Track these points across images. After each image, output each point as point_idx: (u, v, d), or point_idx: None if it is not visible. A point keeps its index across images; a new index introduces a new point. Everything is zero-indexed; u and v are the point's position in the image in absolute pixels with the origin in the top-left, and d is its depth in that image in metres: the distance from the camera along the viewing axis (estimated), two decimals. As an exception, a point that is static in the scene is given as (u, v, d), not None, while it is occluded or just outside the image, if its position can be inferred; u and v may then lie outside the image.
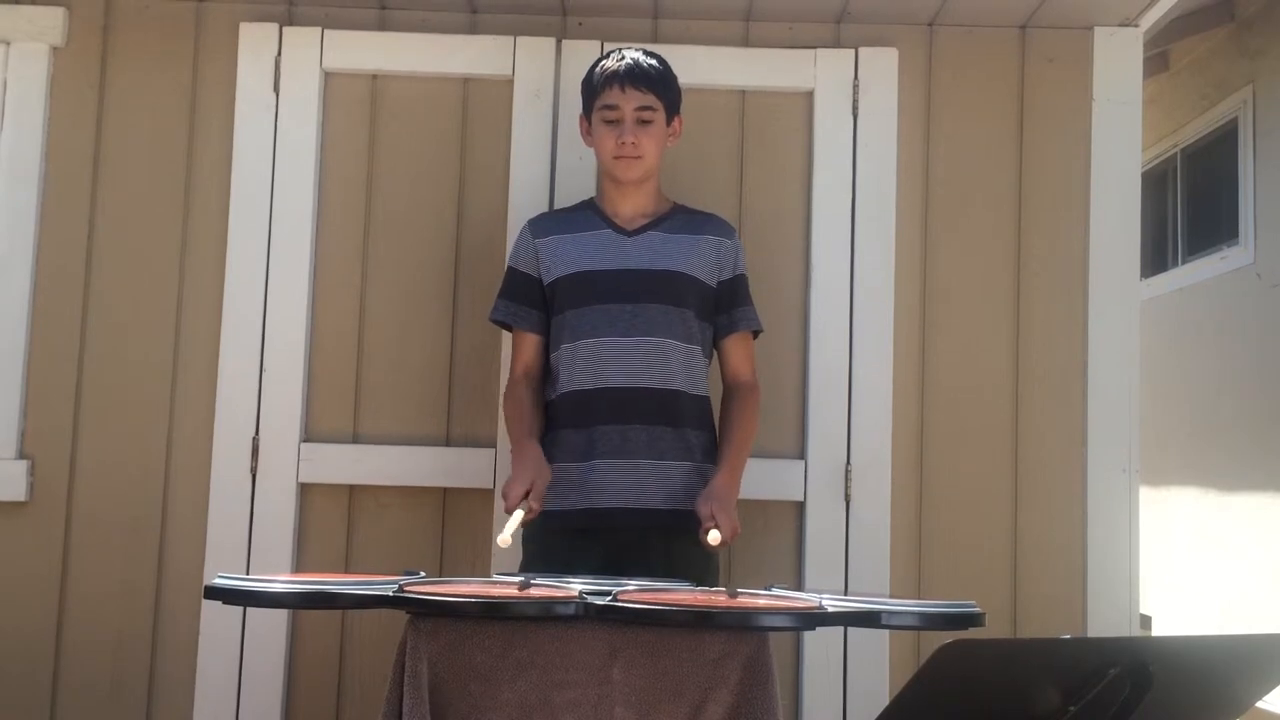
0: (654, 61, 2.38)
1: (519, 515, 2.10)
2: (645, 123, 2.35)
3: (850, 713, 2.65)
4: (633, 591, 1.79)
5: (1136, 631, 2.78)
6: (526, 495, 2.14)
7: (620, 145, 2.34)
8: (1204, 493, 5.41)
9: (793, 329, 2.77)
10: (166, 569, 2.71)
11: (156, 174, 2.79)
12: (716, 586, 2.16)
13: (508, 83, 2.80)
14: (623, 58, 2.37)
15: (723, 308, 2.44)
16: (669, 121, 2.41)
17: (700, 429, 2.39)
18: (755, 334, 2.48)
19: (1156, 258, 5.92)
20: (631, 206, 2.42)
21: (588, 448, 2.32)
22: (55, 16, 2.79)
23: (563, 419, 2.37)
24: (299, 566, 2.70)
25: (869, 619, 1.72)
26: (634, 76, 2.34)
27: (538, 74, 2.78)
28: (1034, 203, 2.82)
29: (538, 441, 2.32)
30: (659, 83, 2.37)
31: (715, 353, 2.46)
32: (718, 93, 2.81)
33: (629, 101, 2.34)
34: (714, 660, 1.71)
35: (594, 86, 2.38)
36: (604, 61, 2.39)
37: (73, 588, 2.70)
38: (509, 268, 2.48)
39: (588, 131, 2.44)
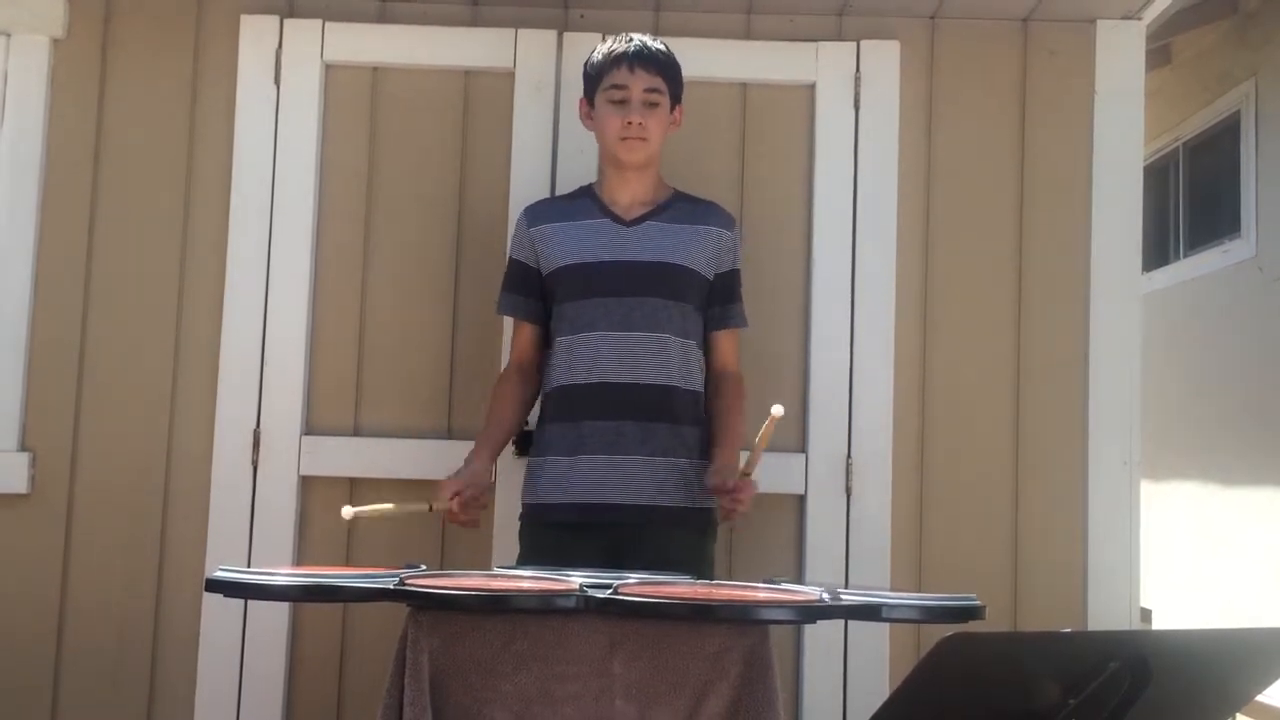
0: (660, 46, 2.38)
1: (385, 507, 2.20)
2: (652, 105, 2.34)
3: (850, 706, 2.65)
4: (633, 585, 1.79)
5: (1136, 625, 2.79)
6: (454, 498, 2.22)
7: (627, 125, 2.32)
8: (1205, 486, 5.41)
9: (794, 322, 2.77)
10: (167, 562, 2.71)
11: (157, 166, 2.79)
12: (716, 580, 2.16)
13: (509, 75, 2.79)
14: (630, 39, 2.36)
15: (716, 301, 2.44)
16: (671, 108, 2.40)
17: (695, 424, 2.38)
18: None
19: (1158, 251, 5.92)
20: (631, 194, 2.41)
21: (579, 442, 2.32)
22: (56, 8, 2.79)
23: (557, 413, 2.37)
24: (300, 559, 2.70)
25: (869, 612, 1.72)
26: (643, 58, 2.33)
27: (539, 67, 2.78)
28: (1035, 196, 2.82)
29: (495, 453, 2.38)
30: (666, 67, 2.36)
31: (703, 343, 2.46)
32: (719, 86, 2.81)
33: (637, 83, 2.33)
34: (714, 653, 1.72)
35: (600, 67, 2.37)
36: (609, 43, 2.38)
37: (74, 580, 2.71)
38: (509, 258, 2.48)
39: (588, 115, 2.43)
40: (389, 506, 2.21)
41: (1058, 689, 1.45)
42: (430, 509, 2.23)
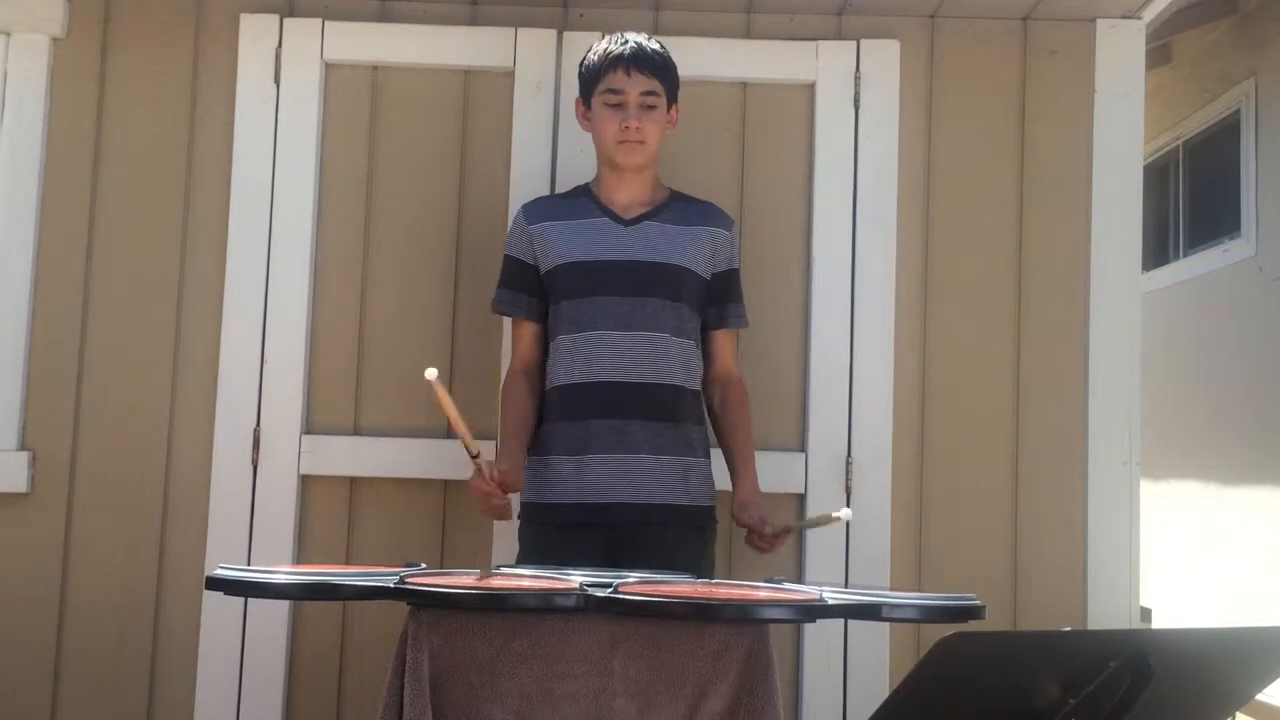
0: (656, 46, 2.37)
1: (455, 412, 2.00)
2: (649, 108, 2.33)
3: (850, 705, 2.65)
4: (633, 584, 1.79)
5: (1136, 624, 2.79)
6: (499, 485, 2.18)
7: (624, 130, 2.32)
8: (1205, 486, 5.41)
9: (794, 321, 2.77)
10: (167, 561, 2.71)
11: (157, 165, 2.79)
12: (714, 579, 2.16)
13: (508, 75, 2.79)
14: (625, 41, 2.35)
15: (713, 300, 2.44)
16: (668, 108, 2.39)
17: (697, 423, 2.39)
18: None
19: (1158, 251, 5.92)
20: (629, 194, 2.41)
21: (585, 441, 2.32)
22: (55, 7, 2.78)
23: (560, 412, 2.36)
24: (300, 558, 2.70)
25: (869, 611, 1.73)
26: (639, 61, 2.32)
27: (539, 66, 2.78)
28: (1035, 195, 2.82)
29: (524, 449, 2.35)
30: (662, 68, 2.35)
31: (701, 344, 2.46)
32: (719, 85, 2.81)
33: (634, 86, 2.32)
34: (714, 652, 1.72)
35: (596, 70, 2.36)
36: (605, 45, 2.37)
37: (74, 580, 2.71)
38: (505, 256, 2.47)
39: (585, 116, 2.42)
40: (454, 412, 2.02)
41: (1057, 688, 1.45)
42: (476, 455, 2.09)
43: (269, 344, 2.72)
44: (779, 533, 2.32)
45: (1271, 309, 4.89)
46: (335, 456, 2.72)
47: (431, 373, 1.95)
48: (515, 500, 2.43)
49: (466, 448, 2.08)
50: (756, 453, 2.45)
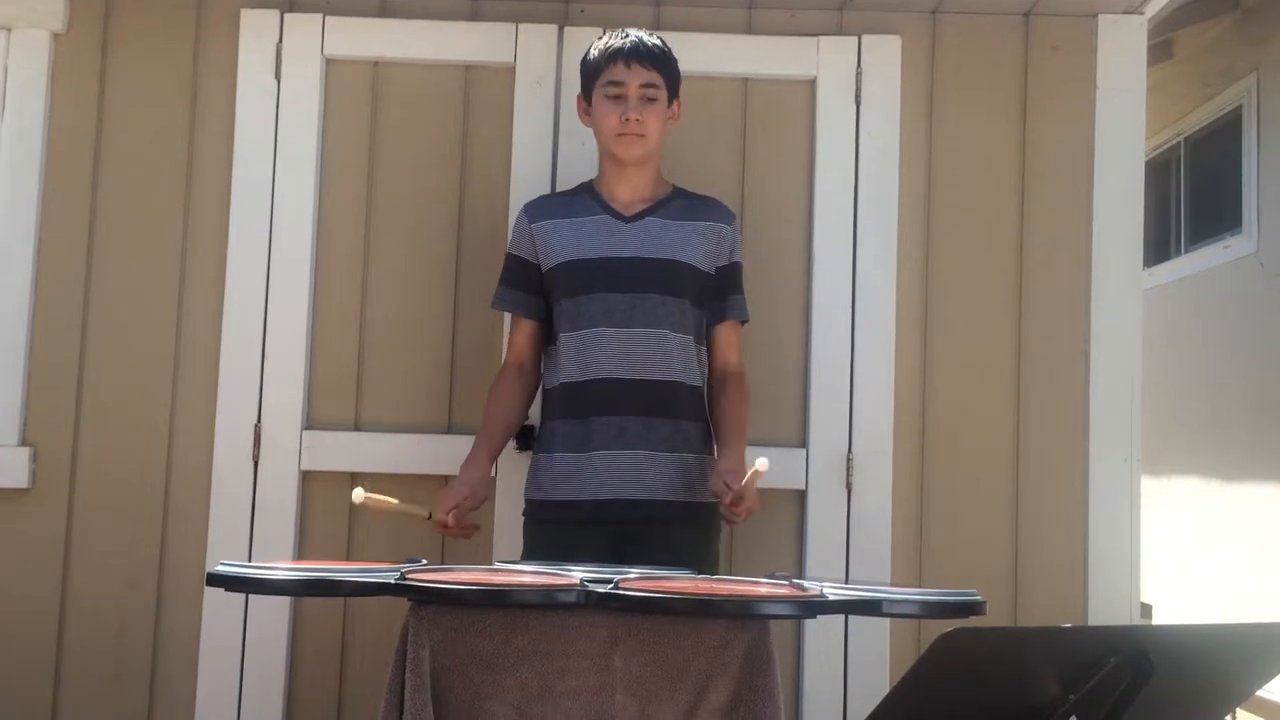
0: (656, 40, 2.38)
1: (392, 501, 2.27)
2: (650, 100, 2.34)
3: (850, 700, 2.65)
4: (634, 579, 1.79)
5: (1137, 620, 2.79)
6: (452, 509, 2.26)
7: (625, 122, 2.32)
8: (1205, 481, 5.41)
9: (794, 317, 2.77)
10: (168, 556, 2.71)
11: (158, 161, 2.79)
12: (717, 576, 2.16)
13: (509, 70, 2.79)
14: (626, 35, 2.37)
15: (715, 295, 2.44)
16: (669, 103, 2.40)
17: (696, 420, 2.39)
18: (743, 322, 2.49)
19: (1160, 246, 5.92)
20: (630, 190, 2.41)
21: (585, 439, 2.33)
22: (56, 3, 2.78)
23: (561, 409, 2.37)
24: (301, 554, 2.70)
25: (870, 607, 1.73)
26: (639, 54, 2.34)
27: (539, 61, 2.78)
28: (1037, 191, 2.82)
29: (495, 454, 2.39)
30: (663, 61, 2.36)
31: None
32: (720, 81, 2.80)
33: (634, 78, 2.33)
34: (715, 648, 1.72)
35: (596, 64, 2.37)
36: (606, 40, 2.38)
37: (74, 575, 2.71)
38: (507, 253, 2.48)
39: (586, 112, 2.43)
40: (394, 501, 2.27)
41: (1058, 684, 1.45)
42: (429, 517, 2.28)
43: (270, 339, 2.72)
44: (739, 496, 2.17)
45: (1273, 305, 4.89)
46: (336, 452, 2.72)
47: (358, 494, 2.19)
48: (506, 496, 2.44)
49: (421, 516, 2.29)
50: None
